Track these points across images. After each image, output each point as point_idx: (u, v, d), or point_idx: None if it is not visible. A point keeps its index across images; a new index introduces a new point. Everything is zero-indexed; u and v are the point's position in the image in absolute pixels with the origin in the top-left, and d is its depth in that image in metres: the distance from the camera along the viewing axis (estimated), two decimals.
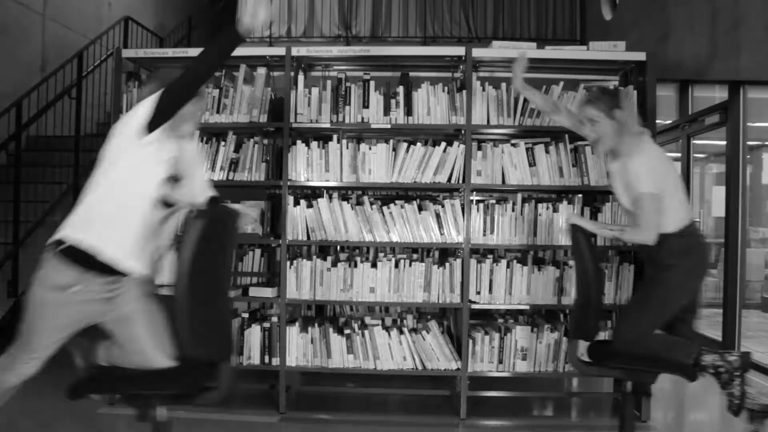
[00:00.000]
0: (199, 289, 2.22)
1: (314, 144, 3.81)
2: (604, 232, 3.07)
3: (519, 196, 3.83)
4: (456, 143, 3.75)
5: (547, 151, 3.76)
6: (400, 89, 3.78)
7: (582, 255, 2.91)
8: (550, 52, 4.00)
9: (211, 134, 3.89)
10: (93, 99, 6.85)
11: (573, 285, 3.74)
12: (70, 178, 6.18)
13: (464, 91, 3.73)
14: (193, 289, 2.19)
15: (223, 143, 3.82)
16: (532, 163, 3.76)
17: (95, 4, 8.30)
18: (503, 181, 3.78)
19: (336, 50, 3.96)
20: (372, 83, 3.80)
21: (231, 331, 2.57)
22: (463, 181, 3.72)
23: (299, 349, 3.81)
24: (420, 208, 3.77)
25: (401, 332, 3.78)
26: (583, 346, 3.08)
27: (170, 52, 4.02)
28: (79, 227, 2.39)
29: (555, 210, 3.77)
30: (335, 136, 3.82)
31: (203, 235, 2.19)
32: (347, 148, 3.78)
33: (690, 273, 2.99)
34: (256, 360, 3.82)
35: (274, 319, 3.86)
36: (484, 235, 3.79)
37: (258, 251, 3.98)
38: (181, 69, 2.41)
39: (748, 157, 5.76)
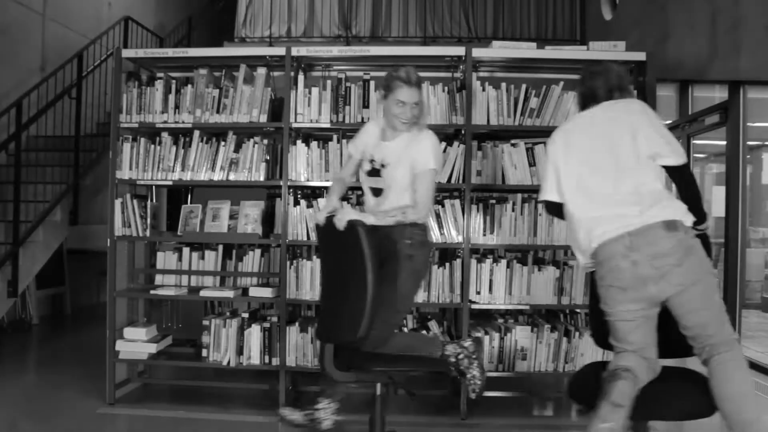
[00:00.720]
0: None
1: (314, 144, 3.81)
2: (386, 220, 2.81)
3: (519, 196, 3.83)
4: (456, 143, 3.75)
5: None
6: None
7: (363, 252, 2.48)
8: (550, 52, 4.00)
9: (211, 134, 3.89)
10: (93, 99, 6.85)
11: (573, 285, 3.75)
12: (70, 178, 6.19)
13: (464, 91, 3.73)
14: None
15: (223, 143, 3.82)
16: (532, 163, 3.76)
17: (95, 4, 8.30)
18: (503, 181, 3.78)
19: (336, 50, 3.96)
20: (372, 83, 3.80)
21: None
22: (463, 181, 3.72)
23: (299, 349, 3.81)
24: None
25: (401, 332, 3.78)
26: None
27: (170, 52, 4.02)
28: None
29: None
30: (335, 136, 3.82)
31: None
32: (347, 147, 3.77)
33: (424, 265, 3.01)
34: (256, 360, 3.82)
35: (274, 319, 3.86)
36: (484, 235, 3.78)
37: (258, 251, 3.98)
38: None
39: (748, 157, 5.76)
